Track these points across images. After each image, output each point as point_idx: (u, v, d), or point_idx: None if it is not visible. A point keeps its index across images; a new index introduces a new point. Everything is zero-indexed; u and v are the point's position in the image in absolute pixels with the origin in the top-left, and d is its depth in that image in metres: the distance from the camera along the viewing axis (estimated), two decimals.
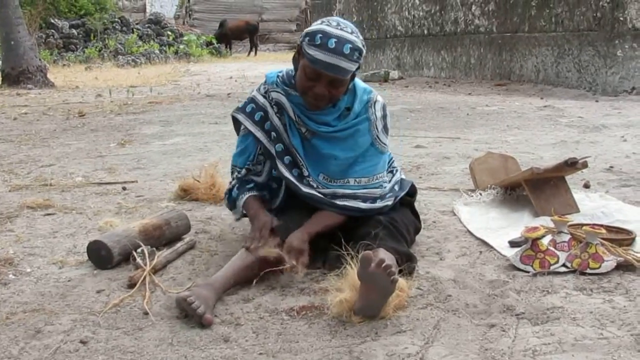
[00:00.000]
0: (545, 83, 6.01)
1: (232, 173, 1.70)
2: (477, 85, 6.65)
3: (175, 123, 4.55)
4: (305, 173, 1.61)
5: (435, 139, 3.59)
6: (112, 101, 6.02)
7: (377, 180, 1.63)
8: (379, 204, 1.66)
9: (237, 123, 1.69)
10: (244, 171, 1.67)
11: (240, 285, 1.47)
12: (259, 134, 1.61)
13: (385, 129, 1.64)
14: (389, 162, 1.73)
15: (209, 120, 4.64)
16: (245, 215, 1.68)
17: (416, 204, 1.85)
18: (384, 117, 1.63)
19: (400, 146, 3.25)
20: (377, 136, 1.63)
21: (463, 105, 5.17)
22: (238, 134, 1.73)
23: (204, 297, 1.33)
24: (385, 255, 1.39)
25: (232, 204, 1.71)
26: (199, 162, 2.90)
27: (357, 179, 1.61)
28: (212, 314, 1.32)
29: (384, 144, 1.66)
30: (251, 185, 1.66)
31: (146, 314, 1.34)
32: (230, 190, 1.70)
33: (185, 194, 2.34)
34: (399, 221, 1.62)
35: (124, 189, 2.53)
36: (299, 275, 1.45)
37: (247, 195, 1.64)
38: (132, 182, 2.67)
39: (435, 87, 6.88)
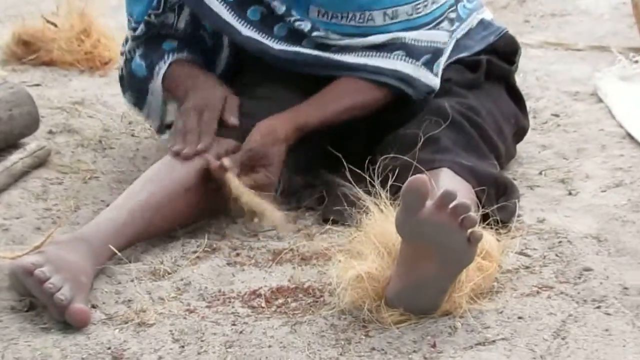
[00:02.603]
0: None
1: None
2: None
3: None
4: (280, 10, 1.63)
5: None
6: None
7: (432, 7, 1.63)
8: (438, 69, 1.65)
9: None
10: (142, 27, 1.70)
11: (146, 242, 1.50)
12: None
13: None
14: None
15: None
16: (168, 127, 1.71)
17: (518, 78, 1.83)
18: None
19: None
20: None
21: None
22: None
23: (71, 267, 1.34)
24: (453, 183, 1.41)
25: (135, 88, 1.74)
26: None
27: (389, 11, 1.61)
28: (86, 301, 1.32)
29: None
30: (170, 42, 1.71)
31: None
32: (126, 63, 1.74)
33: (28, 50, 2.33)
34: (481, 111, 1.64)
35: None
36: (267, 217, 1.49)
37: (168, 60, 1.69)
38: None
39: None
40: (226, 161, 1.49)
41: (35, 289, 1.29)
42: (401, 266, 1.25)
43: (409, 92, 1.62)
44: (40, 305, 1.31)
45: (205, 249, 1.49)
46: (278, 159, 1.55)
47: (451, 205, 1.20)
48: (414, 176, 1.23)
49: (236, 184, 1.48)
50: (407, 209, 1.21)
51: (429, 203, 1.21)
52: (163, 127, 1.75)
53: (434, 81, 1.64)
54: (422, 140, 1.50)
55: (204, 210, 1.55)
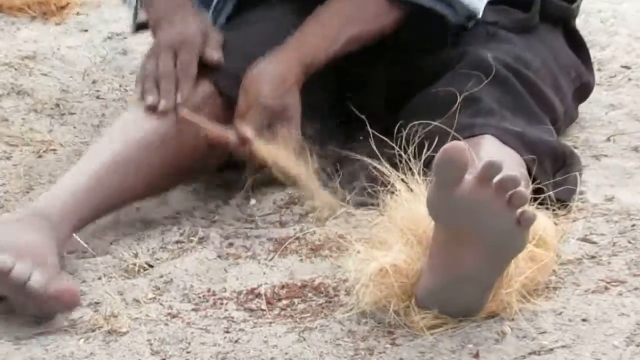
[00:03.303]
0: None
1: None
2: None
3: None
4: None
5: None
6: None
7: None
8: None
9: None
10: None
11: (116, 230, 1.52)
12: None
13: None
14: None
15: None
16: (140, 27, 1.76)
17: (579, 22, 1.83)
18: None
19: None
20: None
21: None
22: None
23: (34, 248, 1.36)
24: (498, 153, 1.42)
25: None
26: None
27: None
28: (57, 284, 1.33)
29: None
30: None
31: None
32: None
33: None
34: (533, 63, 1.65)
35: None
36: (290, 172, 1.51)
37: None
38: None
39: None
40: (247, 131, 1.50)
41: None
42: (435, 257, 1.25)
43: (445, 12, 1.62)
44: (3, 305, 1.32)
45: (191, 238, 1.50)
46: (296, 109, 1.58)
47: (496, 179, 1.19)
48: (448, 144, 1.21)
49: (267, 151, 1.50)
50: (441, 185, 1.21)
51: (467, 177, 1.20)
52: (135, 25, 1.77)
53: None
54: (459, 100, 1.48)
55: (184, 169, 1.57)
